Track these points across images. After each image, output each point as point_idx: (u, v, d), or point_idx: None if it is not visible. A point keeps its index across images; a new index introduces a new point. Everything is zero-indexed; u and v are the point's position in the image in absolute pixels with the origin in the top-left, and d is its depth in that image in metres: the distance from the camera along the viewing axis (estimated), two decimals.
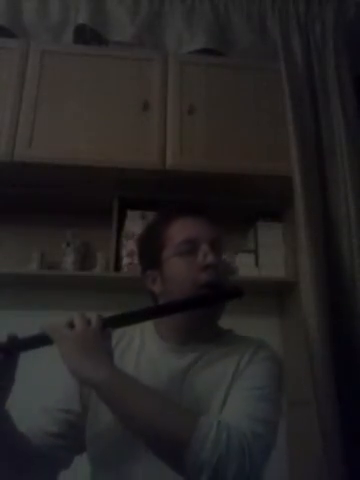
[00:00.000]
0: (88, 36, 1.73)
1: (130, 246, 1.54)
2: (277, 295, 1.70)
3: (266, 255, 1.62)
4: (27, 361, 0.76)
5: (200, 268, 0.83)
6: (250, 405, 0.73)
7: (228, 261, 1.52)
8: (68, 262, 1.57)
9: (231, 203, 1.63)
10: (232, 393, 0.78)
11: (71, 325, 0.71)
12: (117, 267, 1.53)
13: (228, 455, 0.63)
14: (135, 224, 1.57)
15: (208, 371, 0.82)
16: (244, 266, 1.59)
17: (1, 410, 0.74)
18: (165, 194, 1.56)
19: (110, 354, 0.74)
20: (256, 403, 0.74)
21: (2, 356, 0.70)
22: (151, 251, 0.89)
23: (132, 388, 0.69)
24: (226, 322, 0.91)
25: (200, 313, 0.82)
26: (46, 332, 0.71)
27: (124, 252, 1.54)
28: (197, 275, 0.83)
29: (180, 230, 0.87)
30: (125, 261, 1.53)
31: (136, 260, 1.49)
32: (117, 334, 0.88)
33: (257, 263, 1.62)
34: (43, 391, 0.95)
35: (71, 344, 0.69)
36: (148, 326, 0.91)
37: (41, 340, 0.72)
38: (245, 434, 0.66)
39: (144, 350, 0.89)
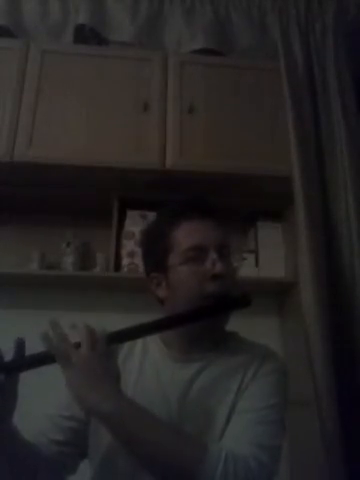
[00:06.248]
0: (88, 36, 1.72)
1: (130, 246, 1.54)
2: (277, 295, 1.70)
3: (266, 255, 1.63)
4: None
5: (208, 277, 0.79)
6: (254, 430, 0.73)
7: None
8: (68, 262, 1.57)
9: (231, 203, 1.62)
10: (236, 414, 0.76)
11: (76, 345, 0.68)
12: (117, 267, 1.52)
13: None
14: (135, 224, 1.57)
15: (212, 385, 0.80)
16: (244, 266, 1.59)
17: (9, 427, 0.72)
18: (165, 194, 1.55)
19: (116, 375, 0.72)
20: (260, 427, 0.73)
21: (3, 377, 0.68)
22: (156, 254, 0.86)
23: (140, 419, 0.67)
24: None
25: (205, 322, 0.79)
26: (50, 350, 0.68)
27: (124, 252, 1.54)
28: (205, 285, 0.79)
29: (187, 234, 0.83)
30: (125, 261, 1.53)
31: (136, 260, 1.51)
32: None
33: (257, 263, 1.62)
34: (45, 396, 0.93)
35: (77, 370, 0.66)
36: None
37: (45, 359, 0.68)
38: (250, 466, 0.66)
39: (147, 357, 0.86)
